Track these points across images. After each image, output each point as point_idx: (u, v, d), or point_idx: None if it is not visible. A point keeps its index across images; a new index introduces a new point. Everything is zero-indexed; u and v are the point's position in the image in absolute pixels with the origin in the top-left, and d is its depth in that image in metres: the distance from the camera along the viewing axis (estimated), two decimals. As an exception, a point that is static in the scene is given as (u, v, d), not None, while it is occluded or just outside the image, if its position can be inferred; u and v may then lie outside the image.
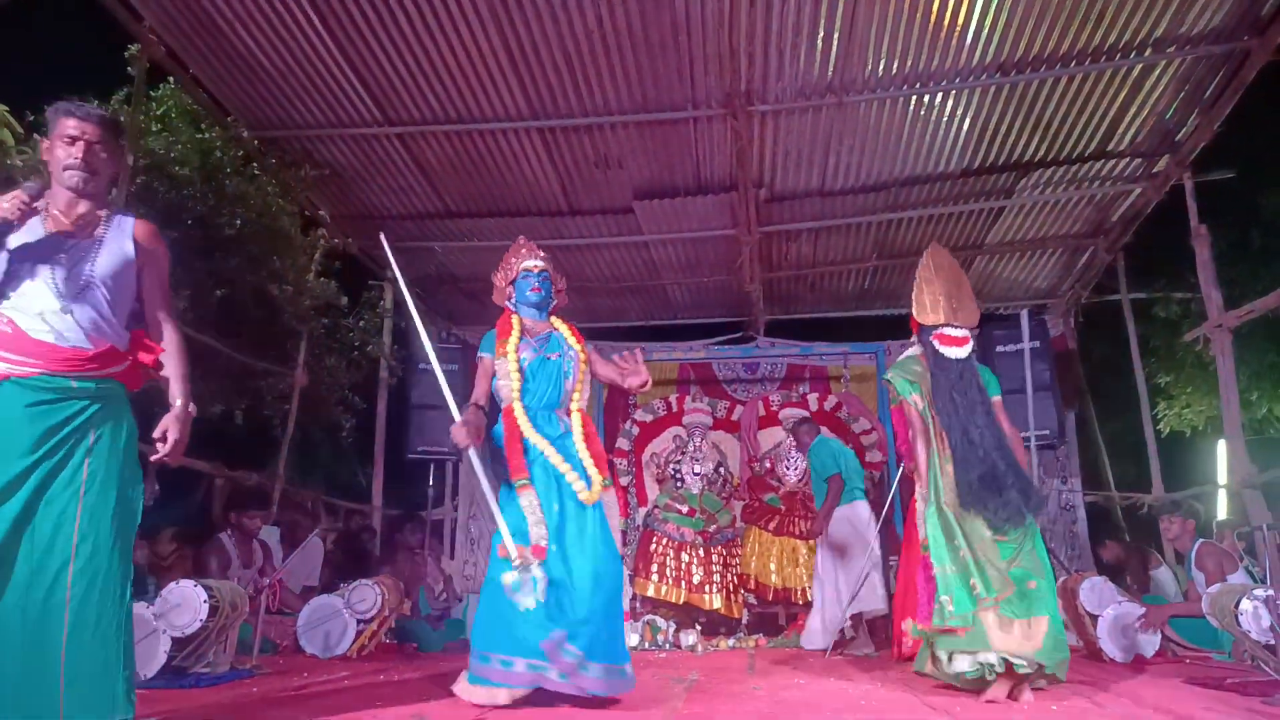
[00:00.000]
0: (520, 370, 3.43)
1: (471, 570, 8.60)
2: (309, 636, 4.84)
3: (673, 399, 8.38)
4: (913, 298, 3.87)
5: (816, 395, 8.20)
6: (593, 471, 3.30)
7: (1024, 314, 7.15)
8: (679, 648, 6.06)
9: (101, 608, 2.26)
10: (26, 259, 2.34)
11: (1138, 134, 6.09)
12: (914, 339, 3.91)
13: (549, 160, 6.39)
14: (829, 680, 4.08)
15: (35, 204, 2.40)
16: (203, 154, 5.51)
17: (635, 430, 8.22)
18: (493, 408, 3.48)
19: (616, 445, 8.06)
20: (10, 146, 4.13)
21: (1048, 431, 7.37)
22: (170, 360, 2.61)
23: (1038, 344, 7.57)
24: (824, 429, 7.26)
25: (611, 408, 8.46)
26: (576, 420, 3.46)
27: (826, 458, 6.17)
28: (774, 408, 8.15)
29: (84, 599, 2.23)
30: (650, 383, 3.57)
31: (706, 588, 7.06)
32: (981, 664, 3.28)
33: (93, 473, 2.32)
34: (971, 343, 3.77)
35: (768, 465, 7.87)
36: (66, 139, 2.43)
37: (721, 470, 7.85)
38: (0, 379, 2.25)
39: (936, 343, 3.73)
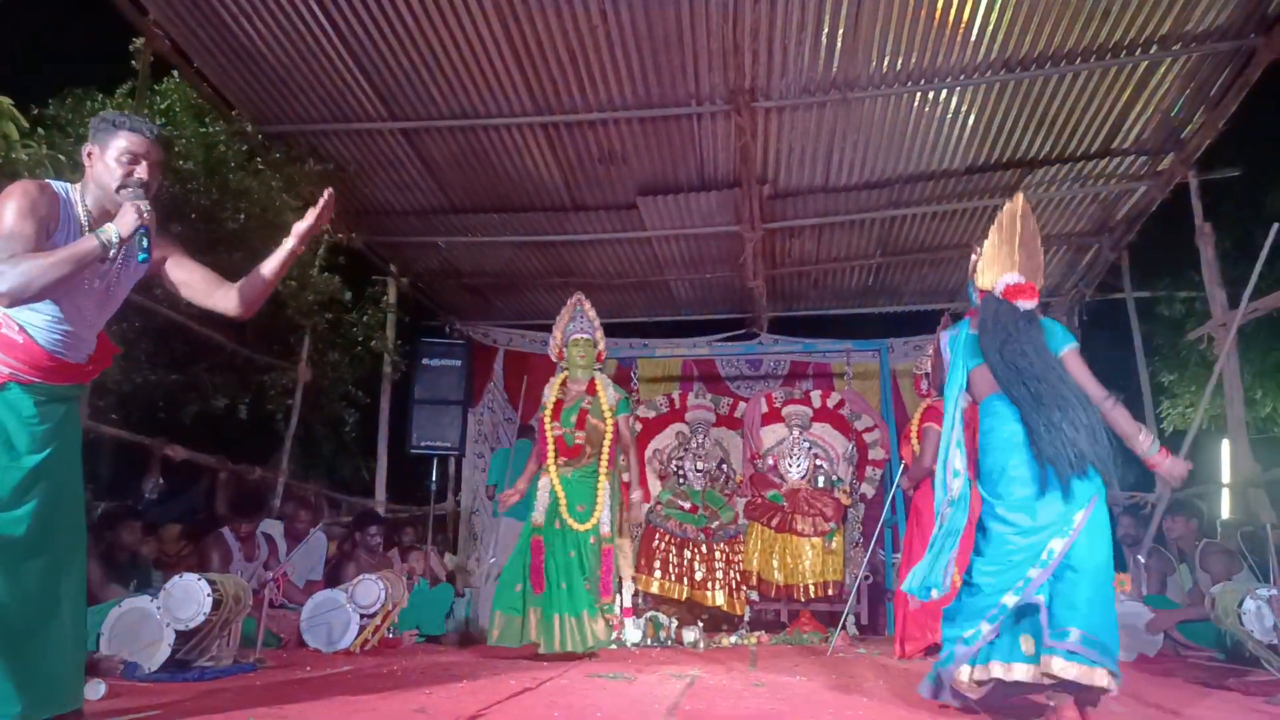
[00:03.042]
0: None
1: (474, 565, 8.61)
2: (312, 630, 4.85)
3: (675, 395, 8.38)
4: None
5: (819, 392, 8.20)
6: None
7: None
8: (681, 644, 6.05)
9: (81, 597, 2.42)
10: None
11: (1143, 132, 6.08)
12: None
13: (553, 156, 6.39)
14: (831, 677, 4.08)
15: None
16: (206, 148, 5.51)
17: (638, 427, 8.21)
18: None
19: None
20: (14, 140, 4.13)
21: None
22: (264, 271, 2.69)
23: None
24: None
25: (614, 404, 8.46)
26: None
27: None
28: (777, 404, 8.15)
29: (79, 586, 2.40)
30: None
31: (709, 584, 7.06)
32: None
33: (71, 465, 2.41)
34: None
35: (770, 462, 7.86)
36: (128, 155, 2.36)
37: (724, 467, 7.85)
38: (4, 381, 2.25)
39: None
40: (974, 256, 3.23)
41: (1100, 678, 2.57)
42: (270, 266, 2.65)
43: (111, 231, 2.25)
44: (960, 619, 2.84)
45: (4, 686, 2.12)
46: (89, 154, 2.39)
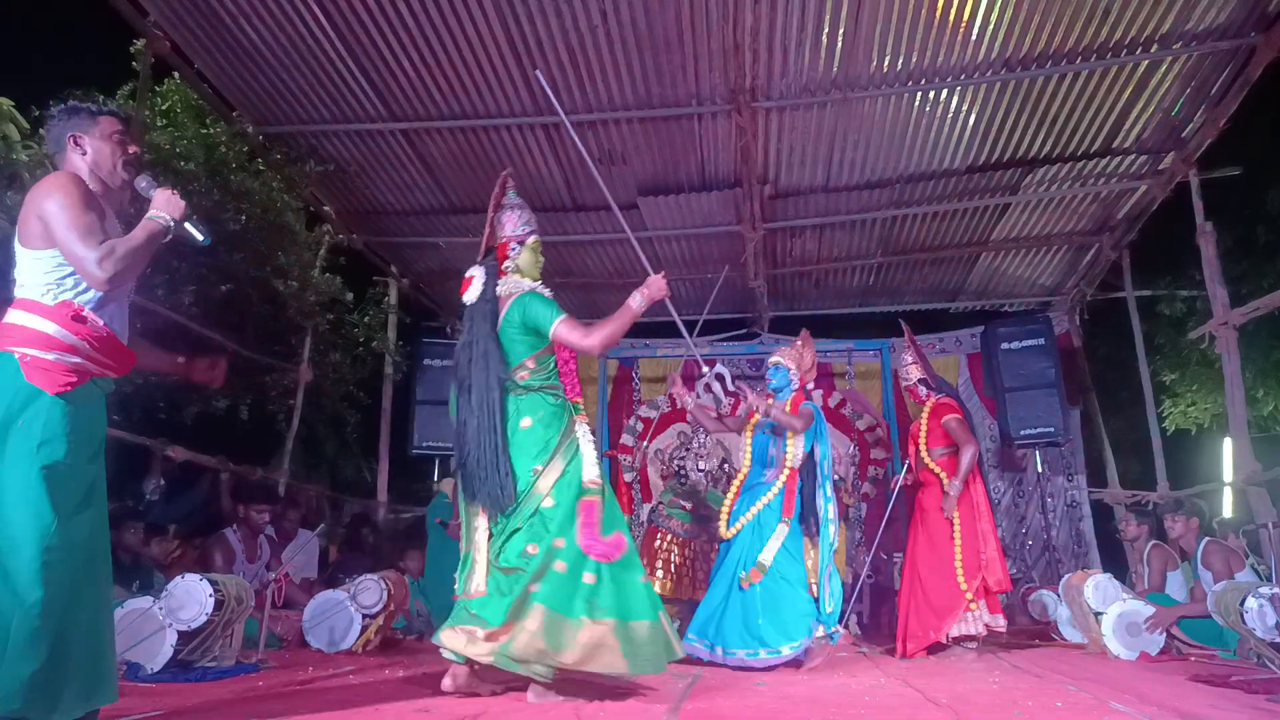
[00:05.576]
0: None
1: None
2: (314, 631, 4.85)
3: (677, 395, 8.38)
4: None
5: (820, 392, 8.18)
6: None
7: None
8: (682, 643, 6.05)
9: (111, 595, 2.45)
10: None
11: (1143, 131, 6.07)
12: None
13: (553, 156, 6.39)
14: (832, 676, 4.08)
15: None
16: (207, 149, 5.51)
17: (639, 426, 8.23)
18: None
19: (621, 441, 8.08)
20: (15, 141, 4.13)
21: (1052, 428, 7.37)
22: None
23: (1043, 341, 7.58)
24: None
25: (616, 404, 8.47)
26: None
27: None
28: (778, 404, 8.14)
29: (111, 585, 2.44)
30: None
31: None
32: None
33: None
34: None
35: (771, 462, 7.85)
36: (118, 135, 2.44)
37: (726, 467, 7.84)
38: (88, 377, 2.27)
39: None
40: (801, 358, 5.29)
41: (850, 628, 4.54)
42: (157, 360, 2.77)
43: (164, 214, 2.35)
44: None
45: (80, 675, 2.15)
46: (74, 139, 2.41)
